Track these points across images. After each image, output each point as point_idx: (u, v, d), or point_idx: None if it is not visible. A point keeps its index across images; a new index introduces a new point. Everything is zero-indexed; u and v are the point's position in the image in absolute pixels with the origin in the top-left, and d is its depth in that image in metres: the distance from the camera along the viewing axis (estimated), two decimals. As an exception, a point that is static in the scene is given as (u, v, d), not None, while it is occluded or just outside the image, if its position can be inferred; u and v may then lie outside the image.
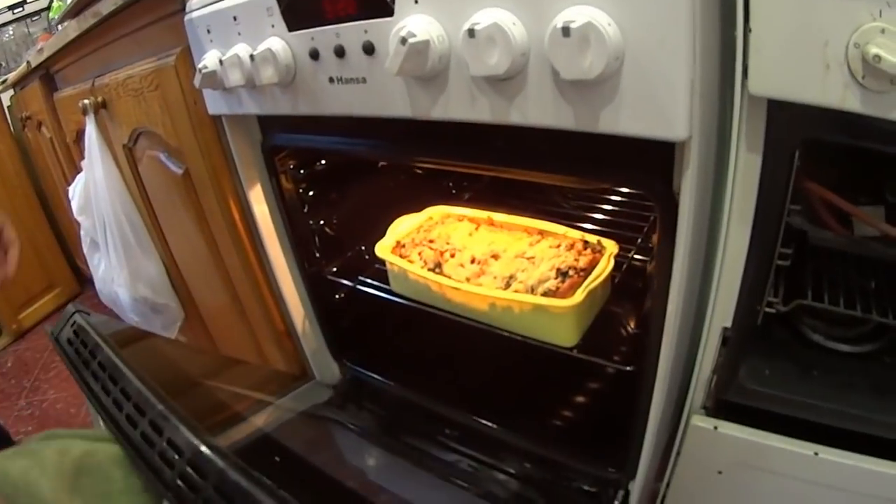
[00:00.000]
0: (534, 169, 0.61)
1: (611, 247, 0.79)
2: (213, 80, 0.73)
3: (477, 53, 0.48)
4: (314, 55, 0.62)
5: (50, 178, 1.91)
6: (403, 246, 0.90)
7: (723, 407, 0.64)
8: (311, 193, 1.00)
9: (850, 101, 0.41)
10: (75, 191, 1.28)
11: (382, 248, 0.90)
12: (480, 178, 1.34)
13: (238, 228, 0.96)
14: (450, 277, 0.81)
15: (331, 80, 0.62)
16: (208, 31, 0.74)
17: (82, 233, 1.33)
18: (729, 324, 0.59)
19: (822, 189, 0.55)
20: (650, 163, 0.52)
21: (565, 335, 0.74)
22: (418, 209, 1.01)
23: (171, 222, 1.20)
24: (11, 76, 1.67)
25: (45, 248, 2.12)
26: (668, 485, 0.74)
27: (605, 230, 0.99)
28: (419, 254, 0.87)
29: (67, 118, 1.44)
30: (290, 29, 0.63)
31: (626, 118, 0.46)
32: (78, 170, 1.32)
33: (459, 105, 0.54)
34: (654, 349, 0.61)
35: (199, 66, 0.73)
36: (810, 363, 0.64)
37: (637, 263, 0.91)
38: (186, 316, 1.38)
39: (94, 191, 1.23)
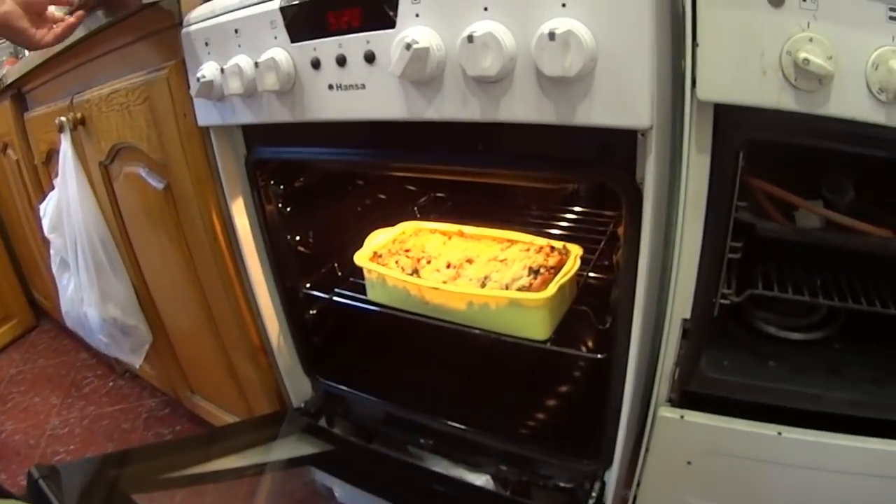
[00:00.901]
0: (512, 168, 0.68)
1: (576, 250, 0.86)
2: (209, 89, 0.77)
3: (473, 57, 0.55)
4: (315, 64, 0.67)
5: (10, 204, 1.87)
6: (380, 256, 0.95)
7: (687, 398, 0.69)
8: (288, 209, 1.03)
9: (785, 101, 0.49)
10: (46, 209, 1.27)
11: (361, 257, 0.94)
12: (445, 201, 1.40)
13: (219, 241, 0.98)
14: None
15: (330, 87, 0.67)
16: (206, 44, 0.78)
17: (52, 251, 1.31)
18: (688, 315, 0.65)
19: (768, 184, 0.62)
20: (615, 158, 0.61)
21: (539, 329, 0.79)
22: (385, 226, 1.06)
23: (145, 241, 1.21)
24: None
25: (1, 279, 2.06)
26: (638, 483, 0.78)
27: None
28: (396, 262, 0.91)
29: (38, 138, 1.44)
30: (294, 40, 0.68)
31: (599, 111, 0.54)
32: (49, 189, 1.31)
33: (453, 106, 0.60)
34: (624, 335, 0.67)
35: (198, 75, 0.77)
36: (766, 353, 0.70)
37: (593, 280, 0.97)
38: (155, 339, 1.37)
39: (66, 209, 1.23)
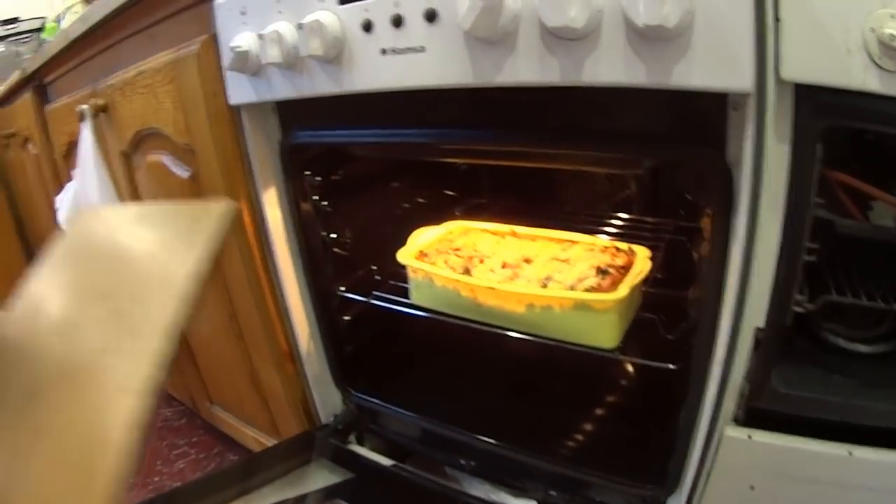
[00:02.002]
0: (587, 147, 0.60)
1: (642, 251, 0.78)
2: (244, 60, 0.69)
3: (557, 5, 0.46)
4: (367, 27, 0.59)
5: (29, 200, 1.82)
6: (427, 255, 0.86)
7: (753, 415, 0.63)
8: (325, 204, 0.95)
9: (870, 82, 0.44)
10: (63, 200, 1.20)
11: (405, 255, 0.85)
12: (487, 207, 1.31)
13: (248, 234, 0.90)
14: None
15: (383, 51, 0.59)
16: (242, 14, 0.70)
17: (67, 246, 1.24)
18: (762, 323, 0.58)
19: (847, 176, 0.56)
20: (704, 134, 0.54)
21: (608, 335, 0.70)
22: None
23: (167, 236, 1.13)
24: (0, 88, 1.60)
25: (16, 275, 1.99)
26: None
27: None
28: (445, 261, 0.82)
29: (59, 131, 1.38)
30: (343, 1, 0.60)
31: (698, 71, 0.47)
32: (66, 181, 1.25)
33: (528, 68, 0.52)
34: (705, 343, 0.58)
35: (232, 44, 0.69)
36: (831, 367, 0.63)
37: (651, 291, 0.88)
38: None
39: (84, 200, 1.16)
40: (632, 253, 0.78)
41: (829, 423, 0.58)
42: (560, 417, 0.89)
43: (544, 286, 0.73)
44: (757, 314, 0.57)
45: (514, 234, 0.88)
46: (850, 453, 0.57)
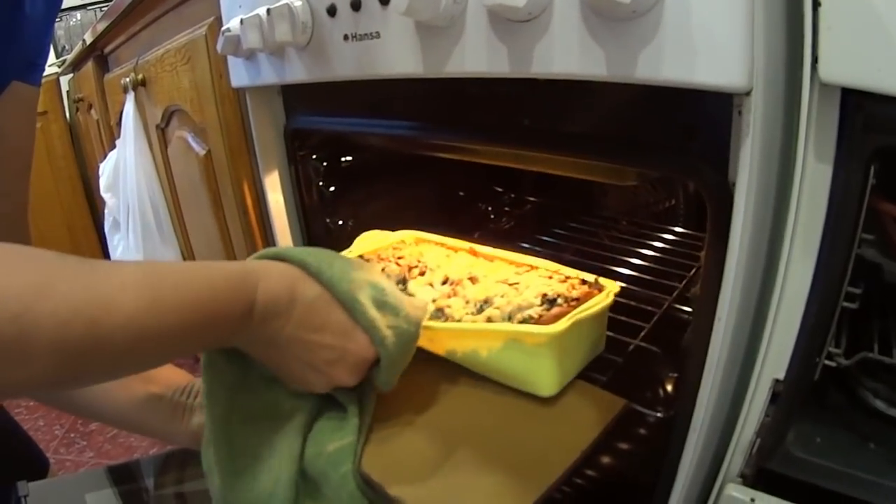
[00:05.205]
0: (564, 151, 0.54)
1: (612, 286, 0.64)
2: (234, 44, 0.69)
3: None
4: (331, 11, 0.56)
5: (94, 162, 1.93)
6: (368, 261, 0.75)
7: (763, 477, 0.53)
8: (331, 189, 0.94)
9: None
10: (105, 168, 1.26)
11: None
12: (524, 202, 1.27)
13: (249, 216, 0.91)
14: (412, 296, 0.64)
15: (346, 37, 0.56)
16: (239, -4, 0.70)
17: (106, 211, 1.31)
18: (781, 375, 0.49)
19: None
20: (700, 144, 0.44)
21: (543, 379, 0.57)
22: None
23: (191, 209, 1.17)
24: (70, 56, 1.70)
25: (81, 233, 2.13)
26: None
27: (645, 276, 0.92)
28: (383, 269, 0.71)
29: (113, 99, 1.45)
30: (314, -16, 0.58)
31: (669, 61, 0.37)
32: (110, 149, 1.31)
33: (476, 57, 0.47)
34: (691, 389, 0.51)
35: (223, 29, 0.69)
36: (866, 433, 0.53)
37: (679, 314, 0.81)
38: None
39: (123, 169, 1.21)
40: (596, 286, 0.65)
41: (854, 501, 0.48)
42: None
43: (480, 310, 0.61)
44: (777, 364, 0.49)
45: (472, 252, 0.77)
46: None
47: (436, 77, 0.52)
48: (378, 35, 0.53)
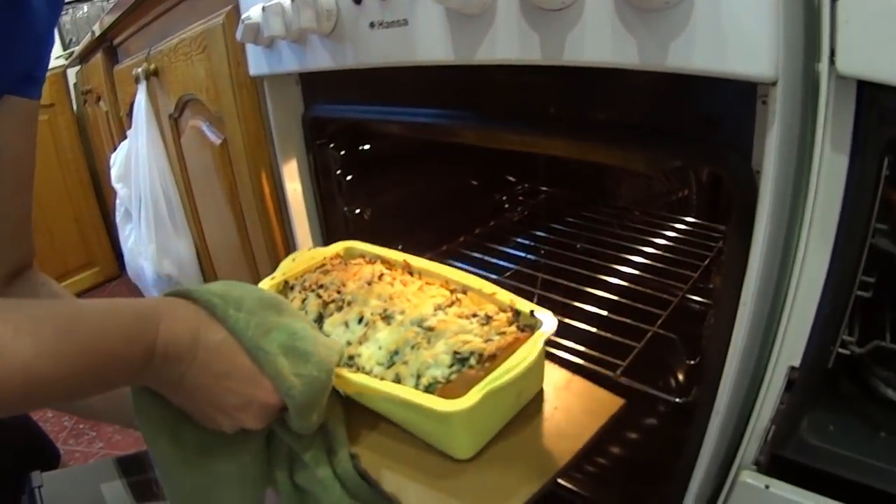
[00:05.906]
0: (589, 140, 0.54)
1: (549, 322, 0.57)
2: (254, 32, 0.69)
3: None
4: (357, -1, 0.57)
5: (103, 154, 1.93)
6: (292, 288, 0.69)
7: (777, 464, 0.54)
8: (348, 178, 0.94)
9: None
10: (116, 158, 1.26)
11: (265, 285, 0.69)
12: (538, 191, 1.28)
13: (267, 205, 0.92)
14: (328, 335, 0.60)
15: (372, 25, 0.57)
16: (258, -16, 0.70)
17: (118, 202, 1.31)
18: (797, 363, 0.49)
19: None
20: (725, 132, 0.45)
21: (455, 444, 0.53)
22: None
23: (206, 199, 1.17)
24: (78, 48, 1.70)
25: (89, 226, 2.14)
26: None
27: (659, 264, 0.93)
28: (303, 300, 0.65)
29: (123, 90, 1.45)
30: (337, -28, 0.58)
31: (700, 51, 0.39)
32: (121, 139, 1.31)
33: (507, 44, 0.47)
34: (713, 377, 0.52)
35: (243, 17, 0.69)
36: (878, 422, 0.53)
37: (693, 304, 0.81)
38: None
39: (135, 160, 1.22)
40: (528, 327, 0.57)
41: (866, 489, 0.49)
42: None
43: (391, 363, 0.56)
44: (793, 352, 0.49)
45: (406, 266, 0.70)
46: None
47: (462, 64, 0.52)
48: (406, 22, 0.53)
